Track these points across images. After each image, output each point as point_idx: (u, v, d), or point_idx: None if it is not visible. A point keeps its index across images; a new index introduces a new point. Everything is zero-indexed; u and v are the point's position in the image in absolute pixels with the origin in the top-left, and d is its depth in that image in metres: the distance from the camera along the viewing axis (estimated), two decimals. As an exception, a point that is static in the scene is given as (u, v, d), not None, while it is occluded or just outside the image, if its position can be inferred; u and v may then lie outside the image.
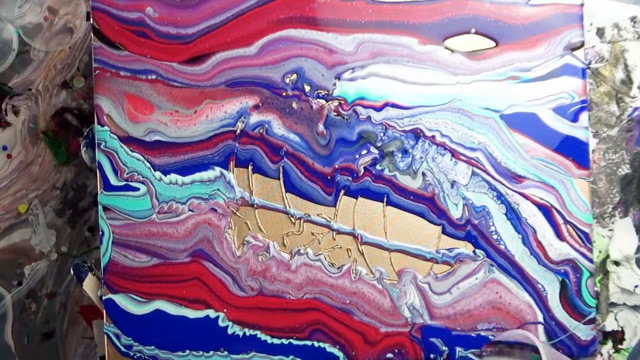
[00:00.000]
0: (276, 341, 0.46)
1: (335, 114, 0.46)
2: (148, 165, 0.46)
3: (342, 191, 0.46)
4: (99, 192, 0.46)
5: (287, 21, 0.46)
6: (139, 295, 0.46)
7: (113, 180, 0.46)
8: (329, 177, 0.46)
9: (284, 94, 0.46)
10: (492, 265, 0.46)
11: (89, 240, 0.64)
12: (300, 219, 0.46)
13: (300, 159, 0.46)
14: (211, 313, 0.46)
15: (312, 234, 0.46)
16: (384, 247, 0.46)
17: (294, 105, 0.46)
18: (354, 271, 0.46)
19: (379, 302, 0.46)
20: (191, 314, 0.46)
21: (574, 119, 0.46)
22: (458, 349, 0.46)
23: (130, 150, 0.46)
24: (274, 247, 0.46)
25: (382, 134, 0.46)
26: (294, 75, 0.46)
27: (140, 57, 0.47)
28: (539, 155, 0.46)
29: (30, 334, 0.64)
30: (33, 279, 0.64)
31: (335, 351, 0.46)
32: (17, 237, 0.64)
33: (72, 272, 0.50)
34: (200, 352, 0.46)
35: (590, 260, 0.46)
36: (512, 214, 0.46)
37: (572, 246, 0.46)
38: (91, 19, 0.47)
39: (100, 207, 0.46)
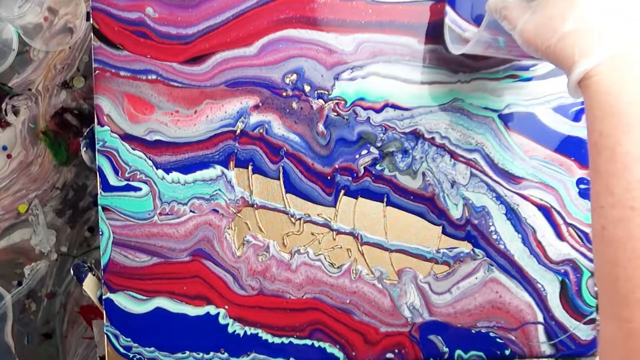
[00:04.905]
0: (277, 340, 0.46)
1: (335, 114, 0.46)
2: (150, 163, 0.46)
3: (342, 191, 0.46)
4: (99, 193, 0.46)
5: (287, 21, 0.46)
6: (140, 293, 0.46)
7: (113, 181, 0.46)
8: (329, 177, 0.46)
9: (284, 94, 0.46)
10: (492, 265, 0.46)
11: (89, 240, 0.64)
12: (300, 219, 0.46)
13: (300, 159, 0.46)
14: (212, 310, 0.46)
15: (312, 234, 0.46)
16: (384, 247, 0.46)
17: (294, 105, 0.46)
18: (354, 271, 0.46)
19: (379, 301, 0.46)
20: (192, 311, 0.46)
21: (575, 118, 0.46)
22: (458, 351, 0.46)
23: (132, 148, 0.46)
24: (274, 247, 0.46)
25: (382, 135, 0.46)
26: (294, 75, 0.46)
27: (140, 57, 0.47)
28: (538, 156, 0.46)
29: (30, 334, 0.64)
30: (33, 279, 0.64)
31: (336, 351, 0.46)
32: (17, 237, 0.64)
33: (72, 272, 0.50)
34: (201, 354, 0.46)
35: (591, 260, 0.46)
36: (512, 214, 0.46)
37: (572, 246, 0.46)
38: (91, 19, 0.47)
39: (100, 209, 0.46)
